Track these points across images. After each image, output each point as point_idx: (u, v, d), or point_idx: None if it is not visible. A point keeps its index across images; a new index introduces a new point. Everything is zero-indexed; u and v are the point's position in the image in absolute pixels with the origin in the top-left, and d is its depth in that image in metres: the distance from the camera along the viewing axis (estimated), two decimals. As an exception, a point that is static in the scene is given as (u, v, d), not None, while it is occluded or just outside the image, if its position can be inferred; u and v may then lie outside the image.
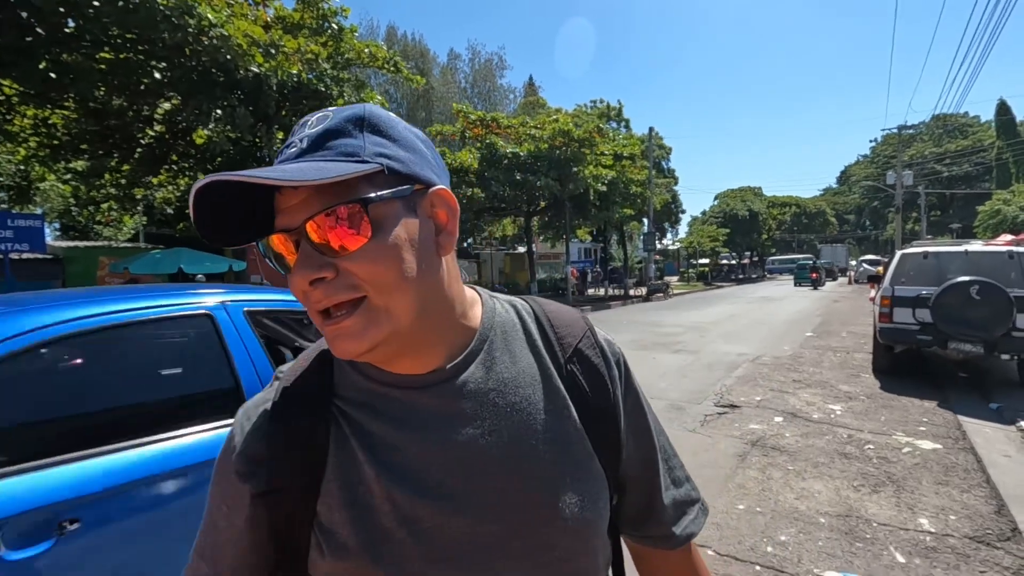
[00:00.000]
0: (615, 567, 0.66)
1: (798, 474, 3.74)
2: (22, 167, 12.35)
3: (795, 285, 29.64)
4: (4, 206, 14.52)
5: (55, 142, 10.59)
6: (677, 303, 20.49)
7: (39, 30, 7.48)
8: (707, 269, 42.24)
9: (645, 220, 26.53)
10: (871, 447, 4.25)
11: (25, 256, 10.18)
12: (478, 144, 17.60)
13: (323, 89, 10.77)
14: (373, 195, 0.46)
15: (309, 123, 0.49)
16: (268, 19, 9.90)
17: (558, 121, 17.97)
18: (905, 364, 6.76)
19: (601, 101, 36.54)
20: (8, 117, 9.45)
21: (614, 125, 34.42)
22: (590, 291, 26.57)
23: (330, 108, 0.50)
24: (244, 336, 1.83)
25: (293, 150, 0.48)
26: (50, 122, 10.37)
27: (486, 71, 43.15)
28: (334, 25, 10.34)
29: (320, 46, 10.49)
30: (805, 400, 5.68)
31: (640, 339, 10.34)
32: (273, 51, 9.32)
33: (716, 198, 55.37)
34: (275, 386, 0.58)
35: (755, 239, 46.89)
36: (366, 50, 11.46)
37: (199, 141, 10.67)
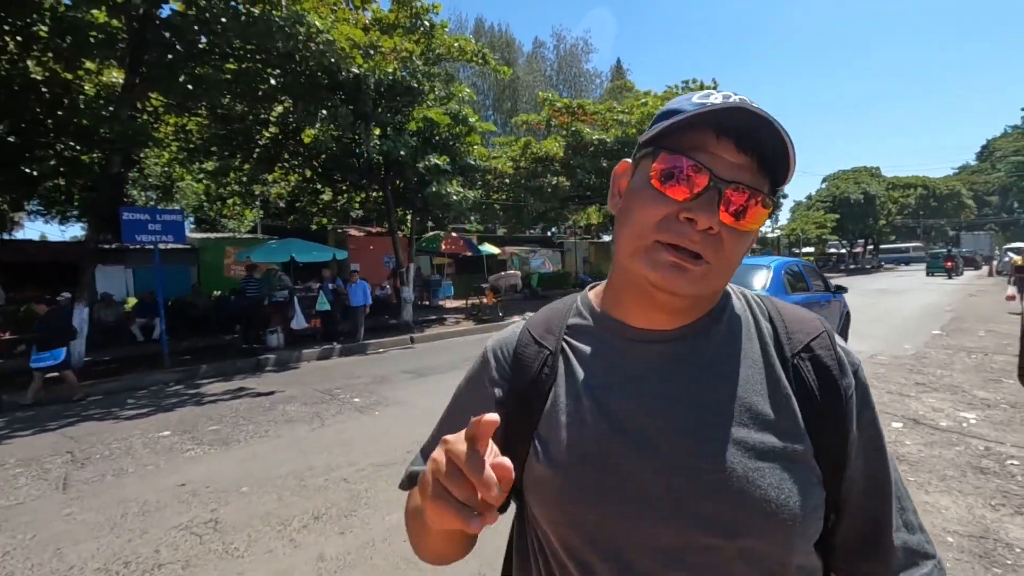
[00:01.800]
0: None
1: (920, 487, 3.37)
2: (166, 169, 14.21)
3: (927, 275, 27.67)
4: (152, 203, 16.82)
5: (191, 146, 12.06)
6: (776, 295, 19.04)
7: (179, 47, 8.51)
8: (812, 259, 38.81)
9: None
10: (1015, 463, 3.71)
11: (169, 246, 11.72)
12: (564, 132, 17.43)
13: (416, 85, 11.24)
14: (777, 201, 0.56)
15: (747, 100, 0.53)
16: (367, 21, 10.47)
17: (647, 104, 17.30)
18: (1063, 370, 5.77)
19: (694, 81, 34.59)
20: (155, 126, 10.88)
21: (708, 105, 32.45)
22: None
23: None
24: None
25: (751, 108, 0.51)
26: (187, 128, 11.82)
27: (571, 57, 42.47)
28: (426, 22, 10.70)
29: (413, 44, 10.92)
30: (930, 405, 5.08)
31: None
32: (371, 52, 9.86)
33: (824, 180, 50.47)
34: (521, 326, 0.69)
35: (870, 225, 42.20)
36: (455, 44, 11.75)
37: (307, 140, 11.62)
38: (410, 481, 0.64)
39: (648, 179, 0.55)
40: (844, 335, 8.94)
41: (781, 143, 0.53)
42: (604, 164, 16.45)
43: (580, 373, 0.61)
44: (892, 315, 12.23)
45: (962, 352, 7.60)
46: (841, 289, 7.45)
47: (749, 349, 0.59)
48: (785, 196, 37.27)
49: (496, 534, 2.43)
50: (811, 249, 39.98)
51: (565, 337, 0.64)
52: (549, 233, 28.98)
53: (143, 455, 4.44)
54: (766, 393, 0.56)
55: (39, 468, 4.22)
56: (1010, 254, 27.66)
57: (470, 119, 12.83)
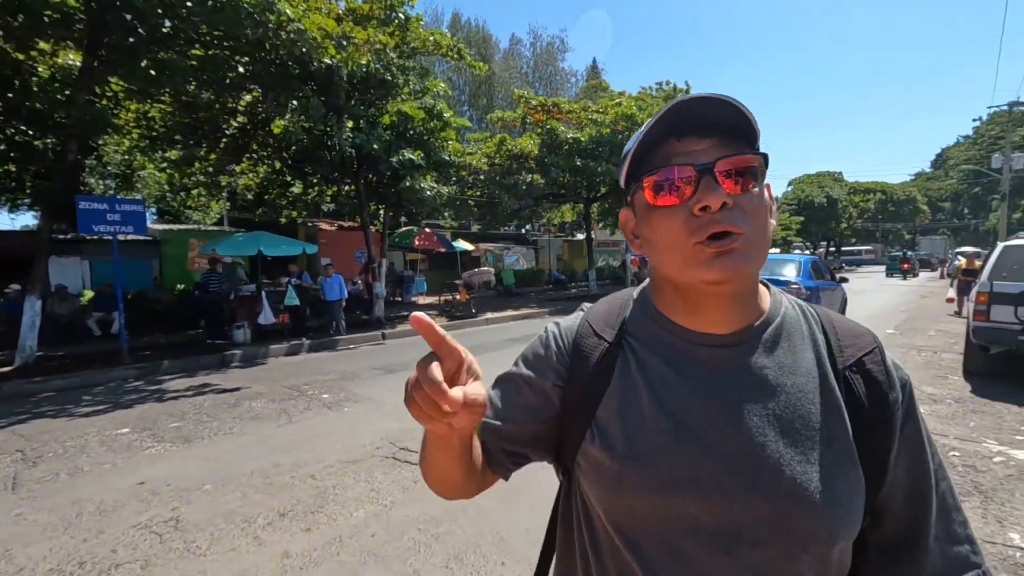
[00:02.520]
0: None
1: (870, 477, 3.54)
2: (126, 157, 13.65)
3: (887, 276, 29.81)
4: (111, 192, 16.13)
5: (153, 134, 11.60)
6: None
7: (141, 31, 8.18)
8: (777, 259, 40.07)
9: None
10: (956, 454, 3.94)
11: (129, 238, 11.29)
12: (539, 130, 17.49)
13: (390, 78, 11.09)
14: (765, 155, 0.58)
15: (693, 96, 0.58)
16: (340, 11, 10.28)
17: (621, 105, 17.51)
18: (1002, 367, 6.15)
19: (668, 83, 35.14)
20: (115, 112, 10.45)
21: (680, 108, 33.01)
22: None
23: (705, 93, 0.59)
24: None
25: (699, 99, 0.56)
26: (149, 115, 11.38)
27: (547, 55, 42.59)
28: (400, 15, 10.57)
29: (388, 36, 10.77)
30: (882, 401, 5.32)
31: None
32: (344, 43, 9.69)
33: (790, 184, 52.11)
34: (580, 316, 0.73)
35: (832, 228, 43.78)
36: (431, 38, 11.64)
37: (276, 131, 11.34)
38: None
39: (649, 206, 0.59)
40: (843, 313, 11.07)
41: (732, 110, 0.57)
42: (578, 163, 16.58)
43: (638, 368, 0.64)
44: (849, 314, 12.72)
45: (913, 350, 7.99)
46: (844, 280, 9.46)
47: (804, 359, 0.62)
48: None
49: (468, 522, 2.44)
50: (777, 250, 41.24)
51: (625, 332, 0.68)
52: (523, 231, 29.06)
53: (99, 453, 4.29)
54: (818, 403, 0.59)
55: (-14, 467, 4.03)
56: (960, 257, 29.26)
57: (445, 114, 12.74)
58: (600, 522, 0.64)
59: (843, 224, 45.79)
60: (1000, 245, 6.11)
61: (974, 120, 70.11)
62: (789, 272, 8.81)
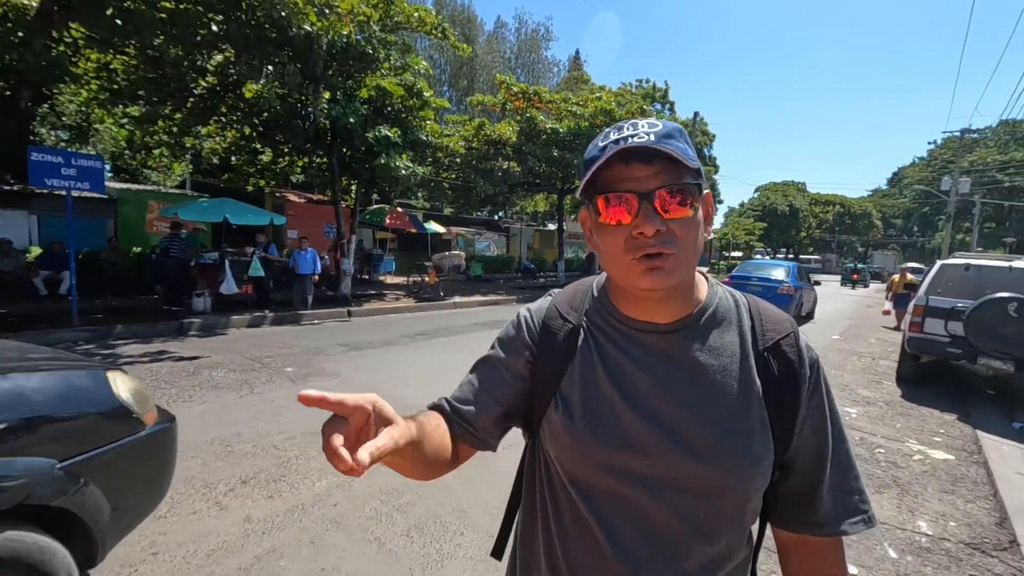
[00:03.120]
0: (754, 553, 0.80)
1: (804, 468, 3.83)
2: (83, 109, 12.90)
3: (842, 285, 31.73)
4: (63, 145, 15.23)
5: (115, 87, 11.00)
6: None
7: (108, -24, 7.74)
8: (739, 263, 41.45)
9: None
10: (881, 451, 4.30)
11: (84, 195, 10.73)
12: (518, 117, 17.46)
13: (371, 52, 10.85)
14: (702, 184, 0.69)
15: (642, 125, 0.67)
16: (323, -23, 9.95)
17: (601, 99, 17.65)
18: (930, 375, 6.67)
19: (647, 81, 35.52)
20: (74, 60, 9.85)
21: (658, 107, 33.53)
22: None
23: (653, 119, 0.69)
24: None
25: (642, 140, 0.65)
26: (111, 67, 10.77)
27: (531, 42, 42.26)
28: (386, -13, 10.32)
29: (371, 8, 10.52)
30: (822, 400, 5.70)
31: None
32: (327, 11, 9.42)
33: (757, 190, 53.77)
34: (549, 300, 0.85)
35: (792, 236, 45.54)
36: (415, 14, 11.44)
37: (248, 95, 10.93)
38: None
39: (600, 222, 0.69)
40: (813, 312, 13.41)
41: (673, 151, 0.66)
42: (555, 153, 16.68)
43: (596, 348, 0.76)
44: (800, 320, 13.41)
45: (854, 356, 8.52)
46: (818, 283, 11.86)
47: (730, 341, 0.74)
48: (720, 202, 39.32)
49: (429, 495, 2.48)
50: (739, 254, 42.62)
51: (585, 316, 0.79)
52: (496, 217, 29.05)
53: (50, 415, 4.17)
54: (739, 378, 0.72)
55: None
56: (909, 275, 31.06)
57: (425, 92, 12.58)
58: (559, 477, 0.76)
59: (803, 233, 47.70)
60: (938, 263, 6.59)
61: (929, 143, 74.05)
62: (780, 275, 11.58)
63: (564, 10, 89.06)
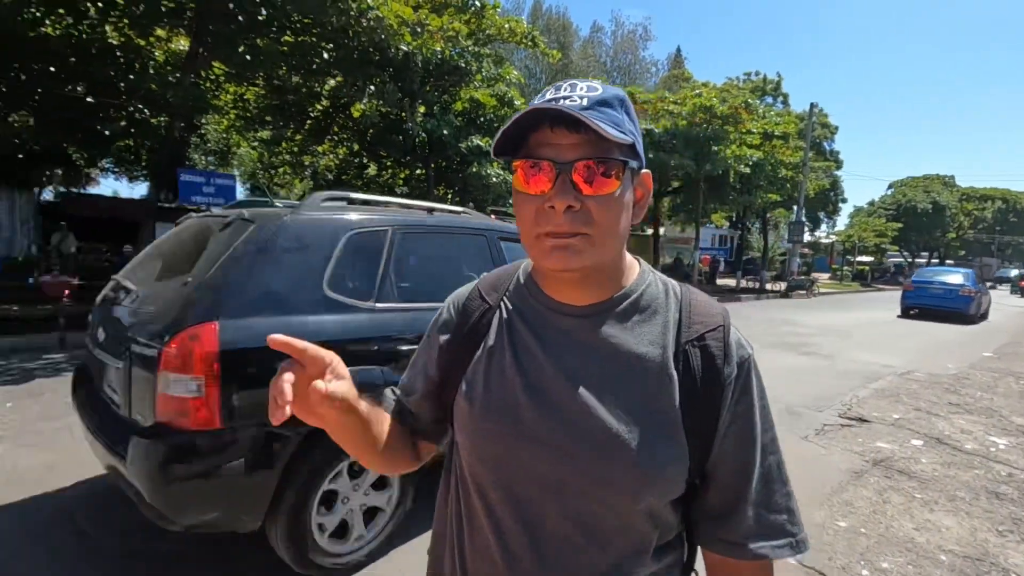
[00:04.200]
0: (686, 566, 0.73)
1: (926, 504, 3.27)
2: (224, 135, 14.96)
3: (1011, 292, 28.85)
4: (211, 167, 17.74)
5: (248, 114, 12.63)
6: (821, 303, 18.29)
7: (240, 18, 8.90)
8: (868, 268, 36.84)
9: (795, 207, 23.82)
10: (1035, 491, 3.53)
11: (222, 209, 12.38)
12: (611, 120, 17.15)
13: (463, 65, 11.33)
14: (630, 161, 0.61)
15: (580, 87, 0.60)
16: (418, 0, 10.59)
17: (701, 96, 16.76)
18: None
19: (757, 73, 33.09)
20: (216, 93, 11.46)
21: (769, 100, 31.12)
22: (720, 281, 24.78)
23: (596, 82, 0.61)
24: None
25: (574, 103, 0.57)
26: (245, 97, 12.37)
27: (628, 43, 41.39)
28: (477, 2, 10.72)
29: (463, 23, 10.98)
30: (959, 427, 4.85)
31: (766, 336, 9.52)
32: (419, 30, 9.99)
33: (891, 187, 47.58)
34: (474, 284, 0.80)
35: (937, 238, 39.58)
36: (506, 26, 11.72)
37: (355, 114, 11.95)
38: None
39: (515, 187, 0.62)
40: (986, 314, 14.94)
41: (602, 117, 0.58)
42: (650, 155, 16.10)
43: (508, 330, 0.71)
44: (941, 331, 11.56)
45: (1010, 377, 7.15)
46: (992, 287, 12.85)
47: (650, 332, 0.66)
48: (844, 201, 35.33)
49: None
50: (868, 258, 37.90)
51: (505, 297, 0.74)
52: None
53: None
54: (655, 372, 0.64)
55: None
56: None
57: (516, 102, 12.83)
58: (463, 470, 0.72)
59: (951, 234, 41.26)
60: None
61: None
62: (960, 279, 13.93)
63: (665, 8, 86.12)
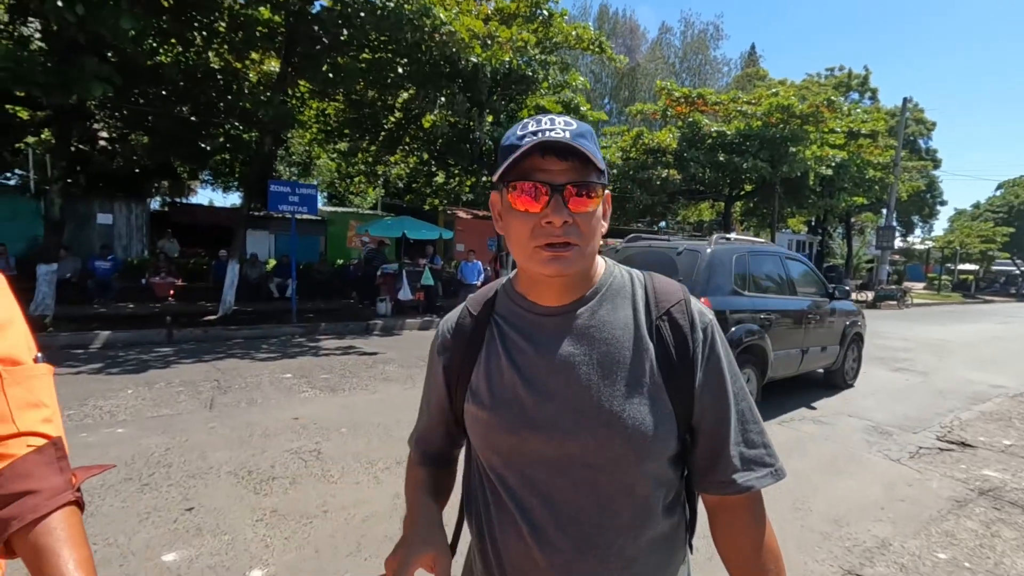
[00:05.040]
0: (690, 523, 0.84)
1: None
2: (307, 148, 16.03)
3: None
4: (295, 178, 19.06)
5: (328, 128, 13.47)
6: (915, 314, 16.76)
7: (324, 39, 9.56)
8: (972, 278, 33.24)
9: (884, 211, 21.98)
10: None
11: (304, 217, 13.29)
12: (680, 123, 16.70)
13: (531, 74, 11.49)
14: (606, 183, 0.74)
15: (558, 122, 0.71)
16: (488, 12, 10.87)
17: (778, 95, 15.95)
18: None
19: (841, 68, 30.97)
20: (301, 110, 12.33)
21: (855, 96, 29.03)
22: (797, 289, 23.27)
23: (568, 117, 0.73)
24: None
25: (560, 135, 0.68)
26: (326, 112, 13.21)
27: (698, 43, 40.05)
28: (544, 11, 10.84)
29: (531, 33, 11.14)
30: (1087, 458, 4.29)
31: (851, 349, 8.85)
32: (489, 42, 10.25)
33: (1000, 187, 42.73)
34: (463, 306, 0.89)
35: (1059, 244, 35.01)
36: (573, 33, 11.77)
37: (426, 125, 12.43)
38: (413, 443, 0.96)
39: (511, 206, 0.72)
40: None
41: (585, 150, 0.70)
42: (721, 158, 15.53)
43: (500, 338, 0.80)
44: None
45: None
46: None
47: (623, 316, 0.77)
48: (943, 203, 32.15)
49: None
50: (972, 266, 34.18)
51: (494, 309, 0.84)
52: (655, 228, 28.01)
53: (269, 390, 5.25)
54: (631, 348, 0.74)
55: (194, 389, 5.18)
56: None
57: (581, 107, 12.83)
58: (480, 463, 0.82)
59: (1077, 239, 36.33)
60: None
61: None
62: None
63: (738, 5, 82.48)
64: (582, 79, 13.46)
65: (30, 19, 8.84)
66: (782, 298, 5.33)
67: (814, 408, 5.41)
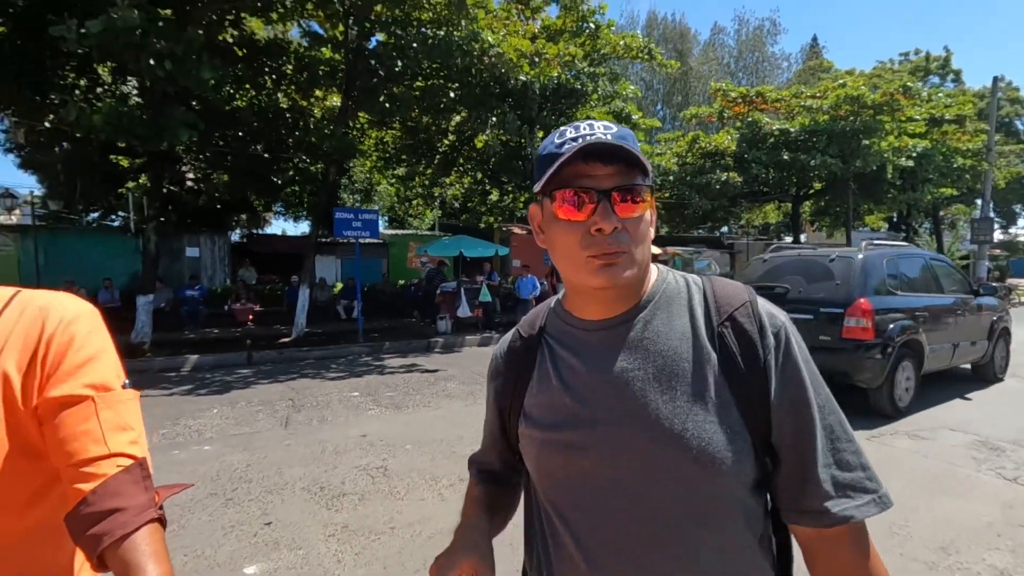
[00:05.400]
0: (781, 563, 0.74)
1: None
2: (368, 175, 16.85)
3: None
4: (357, 204, 20.05)
5: (387, 155, 14.11)
6: (1022, 315, 14.99)
7: (381, 72, 10.07)
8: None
9: (978, 201, 19.98)
10: None
11: (367, 241, 13.88)
12: (738, 123, 16.08)
13: (579, 87, 11.51)
14: (653, 185, 0.70)
15: (598, 126, 0.68)
16: (536, 30, 11.05)
17: (845, 86, 15.01)
18: None
19: (917, 52, 28.78)
20: (361, 140, 13.00)
21: (935, 81, 26.86)
22: (880, 292, 21.51)
23: (607, 121, 0.70)
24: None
25: (601, 137, 0.65)
26: (384, 140, 13.85)
27: (754, 41, 38.61)
28: (591, 24, 10.87)
29: (578, 47, 11.19)
30: None
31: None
32: (536, 59, 10.39)
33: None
34: (515, 329, 0.87)
35: None
36: (621, 42, 11.71)
37: (479, 145, 12.73)
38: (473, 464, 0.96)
39: (556, 216, 0.68)
40: None
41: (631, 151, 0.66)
42: (785, 156, 14.76)
43: (551, 359, 0.77)
44: None
45: None
46: None
47: (680, 325, 0.71)
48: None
49: None
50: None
51: (543, 331, 0.81)
52: (718, 233, 26.95)
53: (338, 408, 5.48)
54: (691, 359, 0.68)
55: (271, 408, 5.50)
56: None
57: (633, 116, 12.67)
58: (536, 493, 0.78)
59: None
60: None
61: None
62: None
63: (796, -4, 78.71)
64: (632, 88, 13.33)
65: (128, 78, 9.95)
66: (931, 296, 5.60)
67: (907, 419, 4.94)
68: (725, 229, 26.63)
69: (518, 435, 0.79)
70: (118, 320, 10.10)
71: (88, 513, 0.67)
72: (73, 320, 0.76)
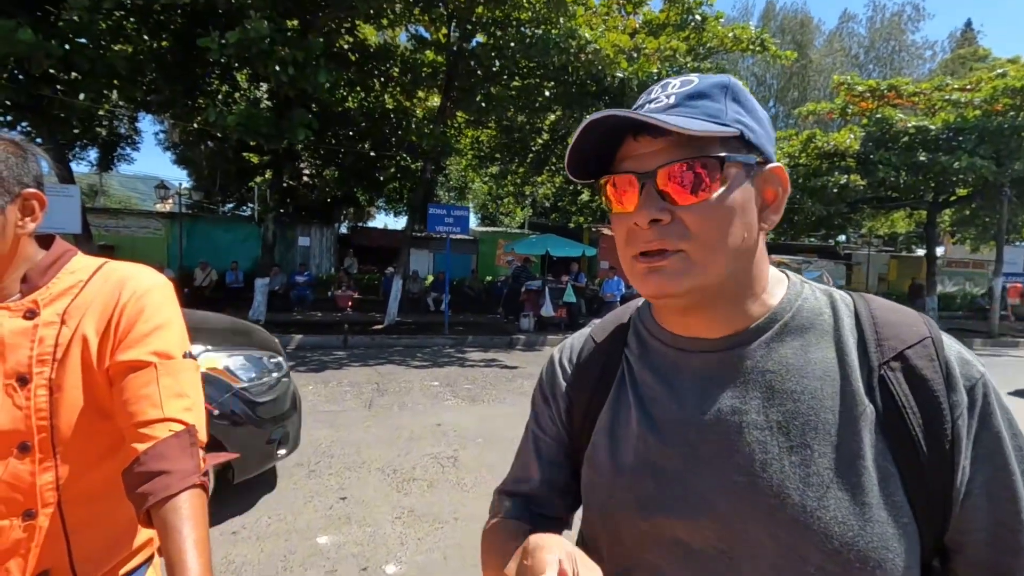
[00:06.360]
0: None
1: None
2: (463, 173, 17.43)
3: None
4: (453, 202, 20.82)
5: (481, 154, 14.48)
6: None
7: (479, 72, 10.33)
8: None
9: None
10: None
11: (457, 237, 14.34)
12: (864, 120, 14.42)
13: (680, 83, 10.99)
14: (728, 156, 0.49)
15: (673, 84, 0.53)
16: (636, 25, 10.70)
17: (1006, 76, 12.86)
18: None
19: (1108, 33, 23.88)
20: (458, 138, 13.45)
21: None
22: (1040, 318, 18.22)
23: (694, 75, 0.54)
24: None
25: (659, 104, 0.52)
26: (480, 139, 14.21)
27: (891, 28, 34.42)
28: (697, 16, 10.32)
29: (681, 41, 10.67)
30: None
31: None
32: (635, 55, 10.06)
33: None
34: (586, 334, 0.69)
35: None
36: (729, 35, 10.99)
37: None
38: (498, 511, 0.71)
39: (610, 207, 0.56)
40: None
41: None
42: (921, 157, 12.96)
43: (631, 382, 0.60)
44: None
45: None
46: None
47: (819, 359, 0.52)
48: None
49: None
50: None
51: (623, 343, 0.64)
52: (834, 242, 24.42)
53: (418, 396, 5.70)
54: (837, 410, 0.49)
55: (358, 390, 5.85)
56: None
57: (739, 113, 11.85)
58: (597, 554, 0.58)
59: None
60: None
61: None
62: None
63: (948, -24, 68.75)
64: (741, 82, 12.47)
65: (260, 84, 11.14)
66: None
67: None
68: (843, 238, 24.07)
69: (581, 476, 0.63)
70: (240, 299, 11.42)
71: (139, 472, 0.72)
72: (146, 292, 0.83)
